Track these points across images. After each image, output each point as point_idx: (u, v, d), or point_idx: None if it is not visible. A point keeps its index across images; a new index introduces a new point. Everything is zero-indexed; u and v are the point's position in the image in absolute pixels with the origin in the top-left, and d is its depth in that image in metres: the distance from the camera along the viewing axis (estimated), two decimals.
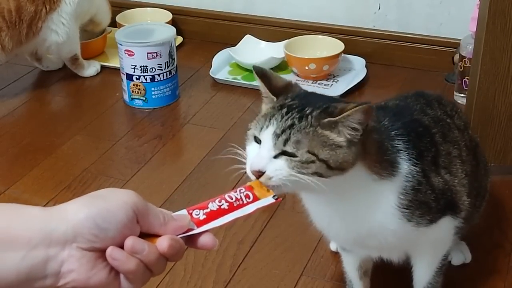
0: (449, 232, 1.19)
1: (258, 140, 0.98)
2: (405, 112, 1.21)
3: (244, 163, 0.98)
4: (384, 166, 1.05)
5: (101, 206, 0.73)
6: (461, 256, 1.46)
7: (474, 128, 1.71)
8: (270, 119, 0.97)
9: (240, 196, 0.84)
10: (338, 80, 2.23)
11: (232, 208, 0.83)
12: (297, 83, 1.08)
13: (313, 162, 0.95)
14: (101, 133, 2.03)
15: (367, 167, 1.03)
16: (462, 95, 2.05)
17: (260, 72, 1.04)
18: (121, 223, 0.73)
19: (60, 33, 2.17)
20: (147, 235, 0.76)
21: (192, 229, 0.80)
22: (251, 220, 1.62)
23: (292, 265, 1.48)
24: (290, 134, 0.95)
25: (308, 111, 0.97)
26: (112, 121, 2.11)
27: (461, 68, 2.07)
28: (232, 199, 0.83)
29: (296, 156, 0.95)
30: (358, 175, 1.01)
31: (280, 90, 1.03)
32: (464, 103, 1.88)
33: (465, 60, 2.04)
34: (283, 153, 0.95)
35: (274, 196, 0.87)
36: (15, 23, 2.07)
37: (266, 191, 0.88)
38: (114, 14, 2.49)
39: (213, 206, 0.82)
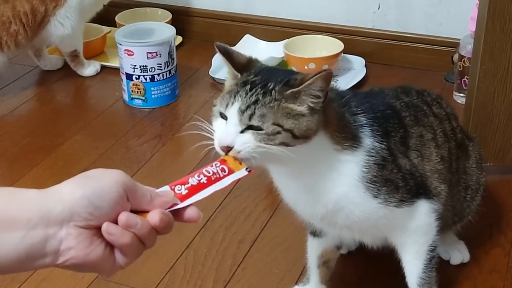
0: (428, 217, 1.19)
1: (224, 116, 1.02)
2: (377, 96, 1.26)
3: (212, 139, 1.02)
4: (345, 137, 1.09)
5: (94, 186, 0.77)
6: (459, 256, 1.46)
7: (473, 128, 1.71)
8: (235, 96, 1.01)
9: (217, 170, 0.89)
10: (337, 80, 2.23)
11: (210, 182, 0.87)
12: (257, 59, 1.11)
13: (278, 133, 1.00)
14: (101, 133, 2.03)
15: (329, 136, 1.07)
16: (461, 94, 2.06)
17: (222, 49, 1.08)
18: (114, 201, 0.78)
19: (65, 25, 2.19)
20: (136, 212, 0.80)
21: (176, 204, 0.84)
22: (251, 220, 1.63)
23: (292, 264, 1.48)
24: (255, 109, 0.99)
25: (271, 86, 1.01)
26: (111, 121, 2.11)
27: (460, 68, 2.07)
28: (209, 173, 0.88)
29: (262, 129, 0.99)
30: (321, 145, 1.06)
31: (243, 66, 1.07)
32: (464, 103, 1.88)
33: (464, 60, 2.04)
34: (249, 127, 1.00)
35: (247, 168, 0.91)
36: (31, 25, 2.12)
37: (239, 164, 0.93)
38: (114, 14, 2.49)
39: (193, 180, 0.87)
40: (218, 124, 1.03)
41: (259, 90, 1.01)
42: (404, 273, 1.27)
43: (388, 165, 1.12)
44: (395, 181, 1.13)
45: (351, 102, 1.16)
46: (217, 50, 1.08)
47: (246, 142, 0.98)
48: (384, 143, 1.13)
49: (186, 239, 1.55)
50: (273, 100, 1.00)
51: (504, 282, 1.43)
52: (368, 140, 1.11)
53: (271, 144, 0.99)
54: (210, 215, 1.63)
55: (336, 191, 1.10)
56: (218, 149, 0.99)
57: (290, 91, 1.00)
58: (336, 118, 1.09)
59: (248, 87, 1.01)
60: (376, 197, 1.11)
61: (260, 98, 1.00)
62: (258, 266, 1.49)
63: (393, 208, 1.13)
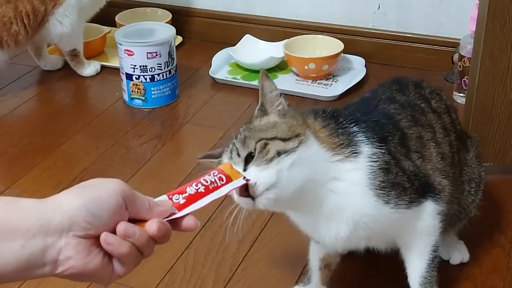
0: (433, 218, 1.20)
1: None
2: (369, 104, 1.26)
3: None
4: (342, 144, 1.11)
5: (93, 195, 0.77)
6: (459, 255, 1.46)
7: (473, 128, 1.71)
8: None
9: (214, 179, 0.89)
10: (337, 80, 2.23)
11: (208, 191, 0.88)
12: None
13: (266, 144, 1.02)
14: (101, 133, 2.03)
15: (327, 148, 1.09)
16: (461, 94, 2.06)
17: None
18: (112, 210, 0.78)
19: (64, 24, 2.20)
20: (134, 221, 0.80)
21: (174, 213, 0.84)
22: (251, 220, 1.62)
23: (292, 264, 1.48)
24: (244, 138, 1.05)
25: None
26: (111, 121, 2.11)
27: (460, 68, 2.07)
28: (207, 182, 0.88)
29: (253, 151, 1.02)
30: (322, 158, 1.08)
31: None
32: (464, 103, 1.88)
33: (464, 60, 2.04)
34: (246, 159, 1.02)
35: (244, 177, 0.92)
36: (32, 25, 2.13)
37: (237, 172, 0.93)
38: (114, 14, 2.49)
39: (191, 190, 0.86)
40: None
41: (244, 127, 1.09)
42: (404, 273, 1.27)
43: (392, 169, 1.13)
44: (402, 184, 1.14)
45: (338, 116, 1.16)
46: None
47: (256, 175, 1.00)
48: (383, 147, 1.13)
49: (186, 239, 1.55)
50: (249, 125, 1.08)
51: (504, 282, 1.43)
52: (365, 146, 1.12)
53: (270, 160, 1.01)
54: (210, 215, 1.63)
55: (351, 204, 1.11)
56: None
57: (256, 108, 1.07)
58: (325, 128, 1.12)
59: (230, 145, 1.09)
60: (388, 202, 1.12)
61: (242, 132, 1.08)
62: (258, 266, 1.49)
63: (404, 211, 1.14)
